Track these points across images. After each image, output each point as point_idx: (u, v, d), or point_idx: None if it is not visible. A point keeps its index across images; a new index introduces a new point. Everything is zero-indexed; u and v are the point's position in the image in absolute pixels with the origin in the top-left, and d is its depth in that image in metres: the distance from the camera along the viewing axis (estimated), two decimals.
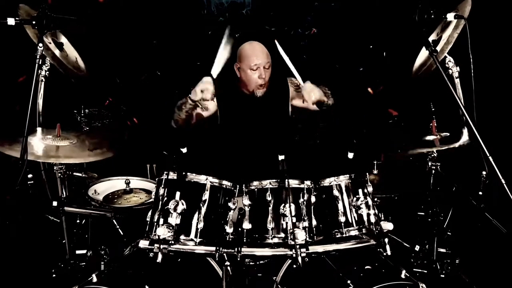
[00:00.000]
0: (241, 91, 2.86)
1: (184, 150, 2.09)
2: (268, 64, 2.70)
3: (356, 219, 2.06)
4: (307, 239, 1.99)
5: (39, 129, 2.40)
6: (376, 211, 2.05)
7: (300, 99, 2.77)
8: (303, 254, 1.90)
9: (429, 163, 2.44)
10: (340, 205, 2.08)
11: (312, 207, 2.08)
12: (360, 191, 2.08)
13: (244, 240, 2.02)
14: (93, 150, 2.36)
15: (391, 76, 3.44)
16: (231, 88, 2.87)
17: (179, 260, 2.11)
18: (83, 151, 2.37)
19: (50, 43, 2.43)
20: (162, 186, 2.04)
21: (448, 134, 2.47)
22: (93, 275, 2.03)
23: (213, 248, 1.98)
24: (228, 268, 2.05)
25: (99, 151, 2.37)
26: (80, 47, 2.72)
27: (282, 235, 2.02)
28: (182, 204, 1.98)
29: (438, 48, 2.18)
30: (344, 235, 2.05)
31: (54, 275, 2.42)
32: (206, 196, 2.03)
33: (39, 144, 2.33)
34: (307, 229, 2.02)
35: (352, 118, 3.48)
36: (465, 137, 2.35)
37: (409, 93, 3.30)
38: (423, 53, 2.50)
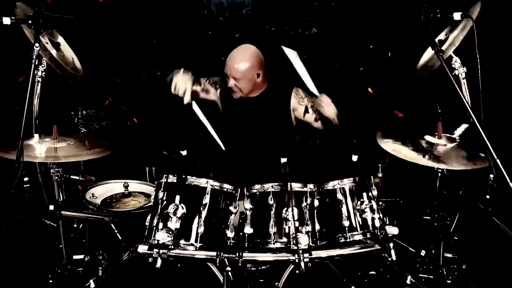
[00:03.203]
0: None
1: (184, 152, 2.05)
2: (239, 76, 2.65)
3: (360, 223, 2.04)
4: (310, 244, 1.96)
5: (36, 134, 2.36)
6: (381, 215, 2.03)
7: (301, 112, 2.77)
8: (306, 260, 1.88)
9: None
10: (344, 209, 2.06)
11: (315, 211, 2.07)
12: (364, 194, 2.06)
13: (246, 245, 2.00)
14: (91, 149, 2.32)
15: (394, 76, 3.42)
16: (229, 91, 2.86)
17: (179, 265, 2.08)
18: (81, 150, 2.33)
19: (47, 43, 2.39)
20: (162, 189, 2.02)
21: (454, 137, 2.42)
22: (91, 281, 2.04)
23: (214, 253, 1.96)
24: (229, 273, 2.02)
25: (97, 150, 2.33)
26: (78, 47, 2.69)
27: (285, 239, 2.00)
28: (182, 208, 1.95)
29: (444, 47, 2.15)
30: (348, 240, 2.04)
31: (50, 281, 2.39)
32: (206, 199, 2.01)
33: (40, 146, 2.30)
34: (310, 233, 2.00)
35: (352, 118, 3.46)
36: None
37: (414, 94, 3.28)
38: (428, 53, 2.46)
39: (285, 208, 2.00)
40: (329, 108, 2.55)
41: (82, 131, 2.88)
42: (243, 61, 2.67)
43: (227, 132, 2.86)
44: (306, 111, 2.78)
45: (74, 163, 2.70)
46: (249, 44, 2.76)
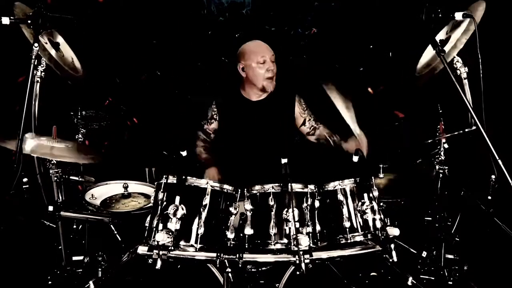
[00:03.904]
0: (243, 97, 2.84)
1: (184, 153, 2.04)
2: (274, 56, 2.76)
3: (361, 224, 2.02)
4: (311, 245, 1.95)
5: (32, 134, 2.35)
6: (382, 216, 2.01)
7: (299, 122, 2.86)
8: (307, 261, 1.87)
9: (437, 167, 2.40)
10: (344, 210, 2.04)
11: (316, 212, 2.05)
12: (365, 195, 2.04)
13: (246, 246, 1.98)
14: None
15: (395, 76, 3.41)
16: (232, 94, 2.86)
17: (178, 266, 2.06)
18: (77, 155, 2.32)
19: (46, 43, 2.38)
20: (161, 190, 2.00)
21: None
22: (90, 282, 2.01)
23: (214, 254, 1.94)
24: (230, 275, 2.00)
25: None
26: (78, 48, 2.68)
27: (285, 241, 1.98)
28: (182, 209, 1.93)
29: (446, 49, 2.14)
30: (349, 241, 2.02)
31: (50, 282, 2.37)
32: (206, 200, 1.99)
33: (32, 142, 2.26)
34: (310, 234, 1.98)
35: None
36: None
37: (415, 94, 3.27)
38: (429, 52, 2.45)
39: (286, 209, 1.98)
40: (352, 145, 2.57)
41: (82, 131, 2.86)
42: (266, 45, 2.75)
43: (228, 133, 2.86)
44: (303, 123, 2.88)
45: (73, 164, 2.69)
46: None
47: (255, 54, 2.72)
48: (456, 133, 2.24)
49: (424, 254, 2.53)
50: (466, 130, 2.07)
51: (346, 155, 2.84)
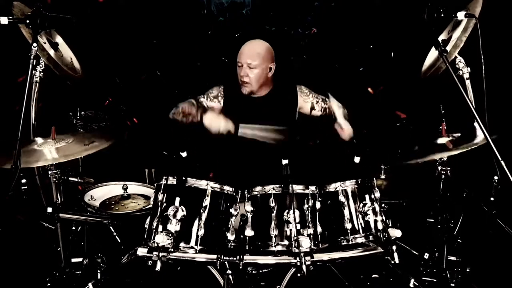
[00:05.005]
0: (243, 96, 2.84)
1: (184, 154, 2.03)
2: (255, 64, 2.70)
3: (363, 226, 2.02)
4: (312, 246, 1.95)
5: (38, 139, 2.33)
6: (384, 218, 2.01)
7: (307, 109, 2.84)
8: (308, 263, 1.87)
9: (439, 168, 2.39)
10: (346, 211, 2.04)
11: (317, 213, 2.04)
12: (367, 196, 2.04)
13: (246, 248, 1.98)
14: (90, 144, 2.27)
15: (396, 76, 3.40)
16: (235, 92, 2.85)
17: (178, 268, 2.05)
18: (80, 147, 2.28)
19: (45, 43, 2.37)
20: (161, 191, 1.99)
21: (460, 134, 2.39)
22: (90, 284, 2.03)
23: (214, 256, 1.94)
24: (230, 277, 1.99)
25: (96, 143, 2.27)
26: (77, 47, 2.67)
27: (286, 242, 1.98)
28: (182, 210, 1.93)
29: (448, 48, 2.12)
30: (350, 243, 2.01)
31: (48, 284, 2.36)
32: (206, 202, 1.99)
33: (49, 149, 2.26)
34: (311, 236, 1.98)
35: (352, 118, 3.45)
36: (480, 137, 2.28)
37: (417, 95, 3.26)
38: (432, 54, 2.44)
39: (287, 211, 1.98)
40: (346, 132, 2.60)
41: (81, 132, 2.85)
42: (260, 49, 2.73)
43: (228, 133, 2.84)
44: (312, 107, 2.84)
45: (73, 165, 2.68)
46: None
47: (239, 54, 2.75)
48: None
49: (426, 256, 2.51)
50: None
51: (347, 156, 2.83)
